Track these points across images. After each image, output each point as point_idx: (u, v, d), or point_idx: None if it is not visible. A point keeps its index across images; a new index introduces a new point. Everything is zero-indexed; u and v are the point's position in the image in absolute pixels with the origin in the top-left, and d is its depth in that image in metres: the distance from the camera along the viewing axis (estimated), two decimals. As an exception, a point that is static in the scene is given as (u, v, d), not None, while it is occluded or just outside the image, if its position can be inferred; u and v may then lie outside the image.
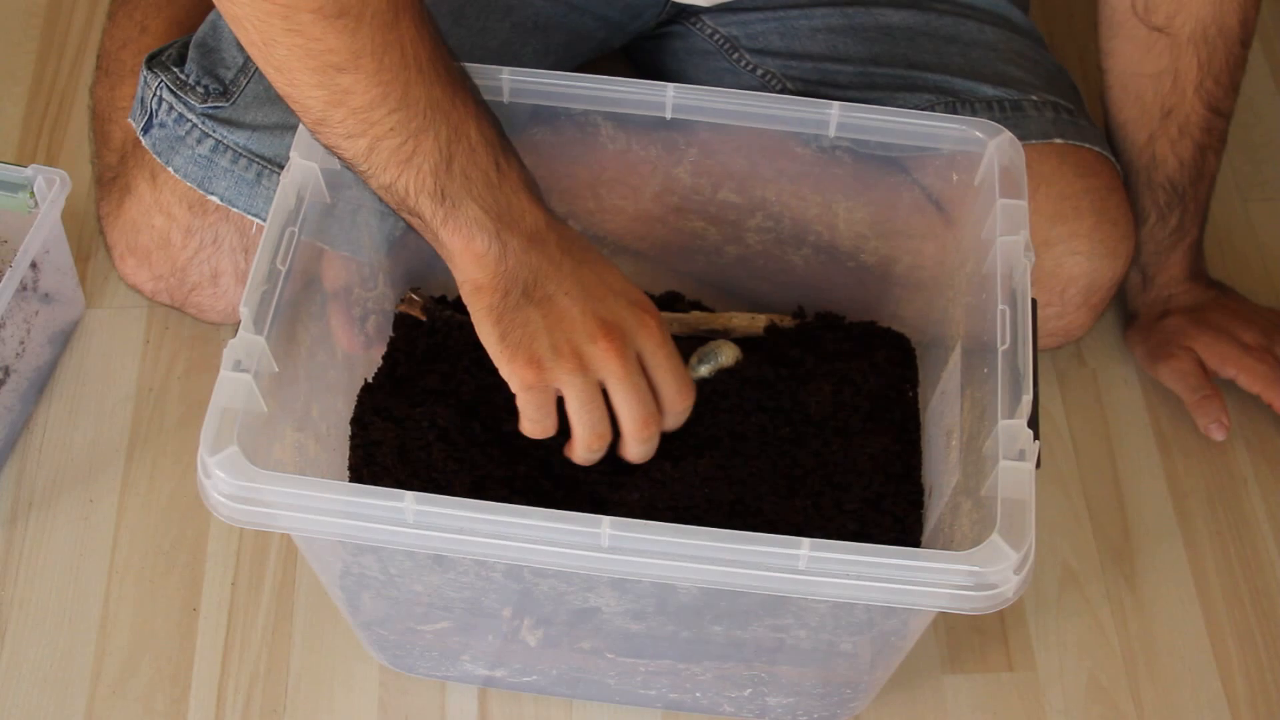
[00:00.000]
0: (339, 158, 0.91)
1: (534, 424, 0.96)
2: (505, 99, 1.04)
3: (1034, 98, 1.20)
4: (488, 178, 0.91)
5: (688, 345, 1.11)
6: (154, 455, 1.18)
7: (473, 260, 0.91)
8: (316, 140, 0.91)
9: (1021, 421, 0.89)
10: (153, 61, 1.18)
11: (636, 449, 0.98)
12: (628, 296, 0.96)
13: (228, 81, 1.15)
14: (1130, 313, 1.27)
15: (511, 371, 0.94)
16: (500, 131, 0.93)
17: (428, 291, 1.13)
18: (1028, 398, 0.89)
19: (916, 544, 1.04)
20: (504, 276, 0.92)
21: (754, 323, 1.16)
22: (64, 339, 1.23)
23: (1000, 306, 0.94)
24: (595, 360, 0.94)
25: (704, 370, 1.11)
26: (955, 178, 1.06)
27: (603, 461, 1.06)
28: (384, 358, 1.12)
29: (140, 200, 1.18)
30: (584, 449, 0.97)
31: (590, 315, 0.94)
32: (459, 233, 0.90)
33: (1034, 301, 0.94)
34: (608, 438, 0.97)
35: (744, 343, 1.14)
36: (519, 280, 0.92)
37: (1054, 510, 1.18)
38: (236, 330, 0.91)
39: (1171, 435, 1.23)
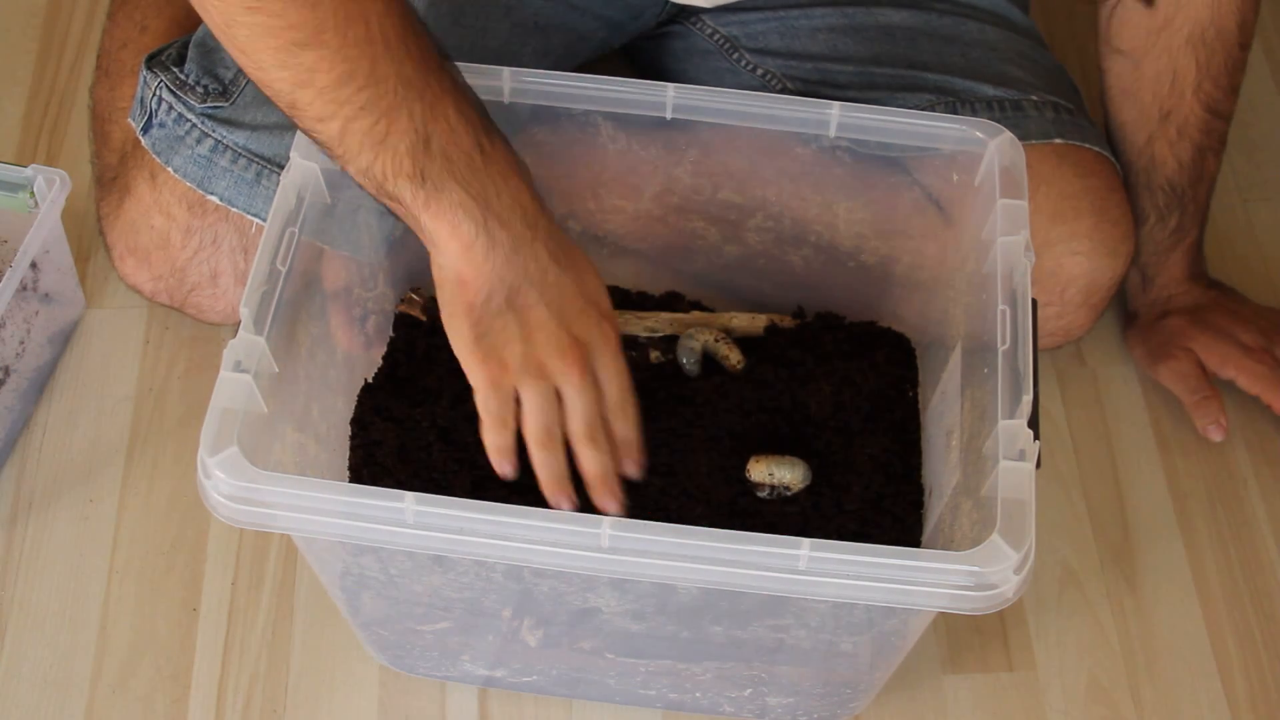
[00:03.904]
0: (318, 144, 0.89)
1: (495, 419, 0.95)
2: (505, 99, 1.04)
3: (1034, 98, 1.20)
4: (471, 160, 0.89)
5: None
6: (154, 455, 1.18)
7: (460, 249, 0.90)
8: (296, 126, 0.90)
9: (1021, 421, 0.89)
10: (152, 61, 1.18)
11: (588, 450, 0.97)
12: (598, 308, 0.96)
13: (227, 81, 1.15)
14: (1130, 313, 1.27)
15: (479, 371, 0.94)
16: (483, 112, 0.91)
17: (428, 291, 1.13)
18: (1028, 398, 0.89)
19: (916, 544, 1.04)
20: (490, 276, 0.91)
21: (754, 323, 1.16)
22: (64, 339, 1.23)
23: (1000, 306, 0.94)
24: (558, 373, 0.95)
25: (691, 366, 1.11)
26: (956, 178, 1.06)
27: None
28: (384, 358, 1.12)
29: (140, 201, 1.18)
30: (538, 447, 0.96)
31: (563, 331, 0.94)
32: (443, 217, 0.89)
33: (1034, 301, 0.94)
34: (558, 439, 0.96)
35: (744, 343, 1.14)
36: (504, 283, 0.92)
37: (1054, 510, 1.18)
38: (236, 330, 0.91)
39: (1171, 435, 1.23)
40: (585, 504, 1.03)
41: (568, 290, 0.95)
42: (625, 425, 0.98)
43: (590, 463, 0.96)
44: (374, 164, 0.87)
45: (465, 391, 1.07)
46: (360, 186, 0.90)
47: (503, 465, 0.96)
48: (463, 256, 0.90)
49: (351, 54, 0.84)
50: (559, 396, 0.95)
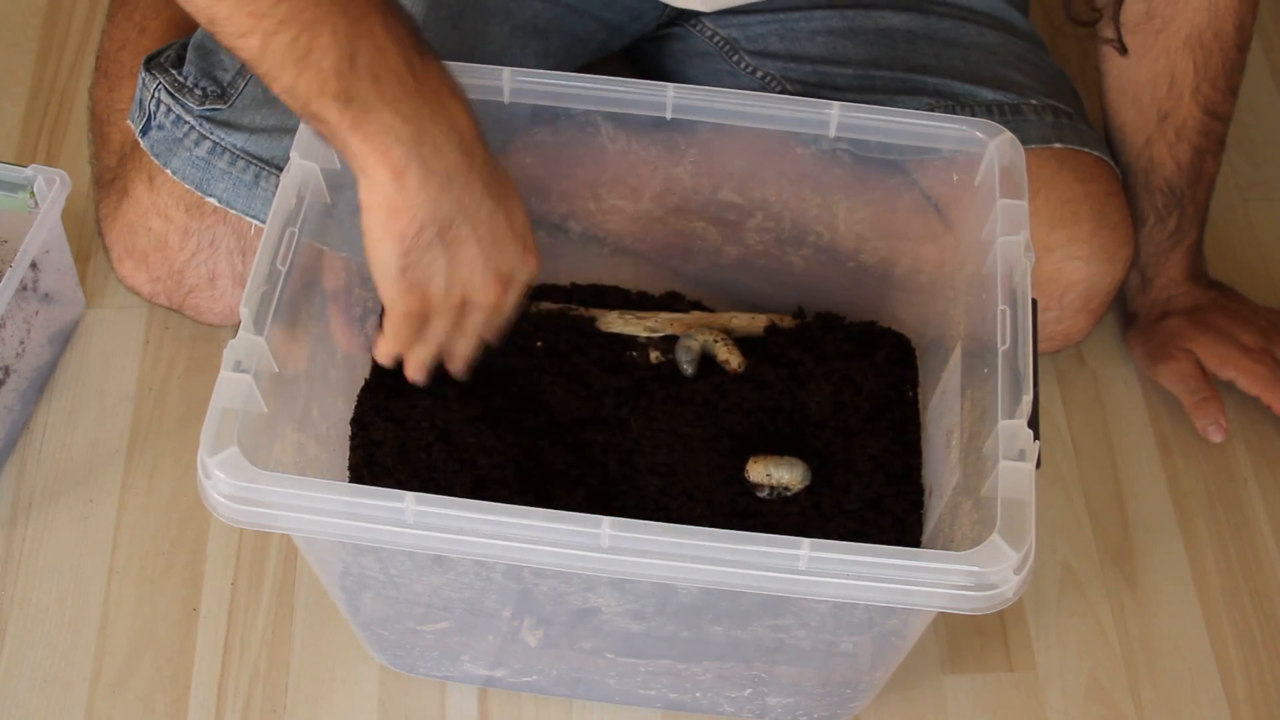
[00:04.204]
0: (243, 64, 0.86)
1: (402, 342, 0.96)
2: (506, 99, 1.04)
3: (1034, 102, 1.20)
4: (401, 79, 0.85)
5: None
6: (154, 455, 1.18)
7: (391, 177, 0.86)
8: (218, 42, 0.86)
9: (1021, 421, 0.89)
10: (151, 63, 1.18)
11: (466, 340, 0.99)
12: (524, 241, 0.96)
13: (225, 83, 1.15)
14: (1130, 314, 1.27)
15: (400, 301, 0.93)
16: (414, 29, 0.87)
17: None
18: (1028, 398, 0.89)
19: (916, 544, 1.04)
20: (423, 207, 0.88)
21: (754, 323, 1.16)
22: (64, 339, 1.23)
23: (1000, 306, 0.94)
24: (476, 305, 0.95)
25: (688, 366, 1.11)
26: (955, 178, 1.06)
27: (602, 467, 1.06)
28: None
29: (138, 202, 1.18)
30: (417, 367, 0.99)
31: (490, 267, 0.94)
32: (372, 141, 0.85)
33: (1034, 301, 0.94)
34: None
35: (744, 343, 1.14)
36: (437, 216, 0.89)
37: (1054, 510, 1.18)
38: (236, 330, 0.91)
39: (1171, 435, 1.23)
40: (582, 506, 1.03)
41: (499, 225, 0.93)
42: (468, 345, 1.00)
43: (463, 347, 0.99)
44: (296, 82, 0.84)
45: (466, 391, 1.07)
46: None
47: (384, 361, 0.98)
48: (393, 185, 0.86)
49: None
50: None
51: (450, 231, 0.90)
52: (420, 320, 0.95)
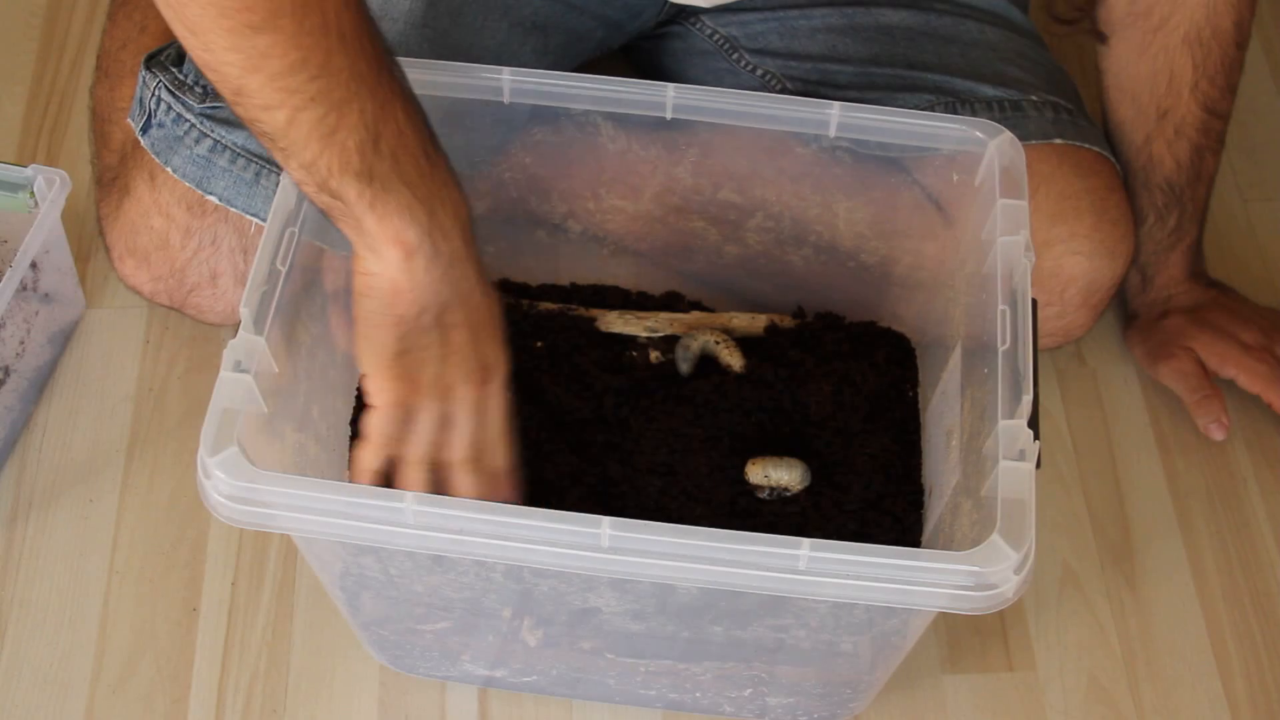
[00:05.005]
0: (258, 134, 0.86)
1: (387, 441, 0.92)
2: (505, 99, 1.04)
3: (1034, 98, 1.20)
4: (418, 164, 0.86)
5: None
6: (154, 455, 1.18)
7: (401, 257, 0.87)
8: (235, 114, 0.86)
9: (1021, 421, 0.89)
10: (151, 61, 1.18)
11: (467, 476, 0.95)
12: (497, 339, 0.95)
13: (226, 82, 1.15)
14: (1130, 313, 1.27)
15: (389, 388, 0.91)
16: (428, 122, 0.88)
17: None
18: (1028, 398, 0.89)
19: (916, 544, 1.04)
20: (427, 289, 0.88)
21: (754, 323, 1.16)
22: (64, 339, 1.23)
23: (1000, 306, 0.94)
24: (459, 397, 0.93)
25: (684, 366, 1.11)
26: (955, 178, 1.06)
27: (602, 467, 1.06)
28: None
29: (139, 201, 1.18)
30: (417, 467, 0.94)
31: (477, 355, 0.93)
32: (387, 220, 0.86)
33: (1034, 301, 0.94)
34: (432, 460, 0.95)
35: (744, 343, 1.14)
36: (438, 299, 0.89)
37: (1054, 510, 1.18)
38: (236, 330, 0.91)
39: (1171, 435, 1.23)
40: (582, 506, 1.03)
41: (483, 317, 0.93)
42: (501, 458, 0.97)
43: (467, 487, 0.95)
44: (319, 158, 0.84)
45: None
46: (297, 187, 0.87)
47: (365, 478, 0.93)
48: (402, 265, 0.87)
49: (306, 42, 0.81)
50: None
51: (447, 315, 0.90)
52: (404, 414, 0.92)
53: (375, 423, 0.92)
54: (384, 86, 0.85)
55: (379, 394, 0.92)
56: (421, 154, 0.87)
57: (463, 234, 0.89)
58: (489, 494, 0.96)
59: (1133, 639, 1.12)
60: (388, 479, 0.94)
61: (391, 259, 0.87)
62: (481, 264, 0.92)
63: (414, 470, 0.94)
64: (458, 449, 0.94)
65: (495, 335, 0.94)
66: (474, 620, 0.98)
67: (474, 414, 0.94)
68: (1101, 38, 1.15)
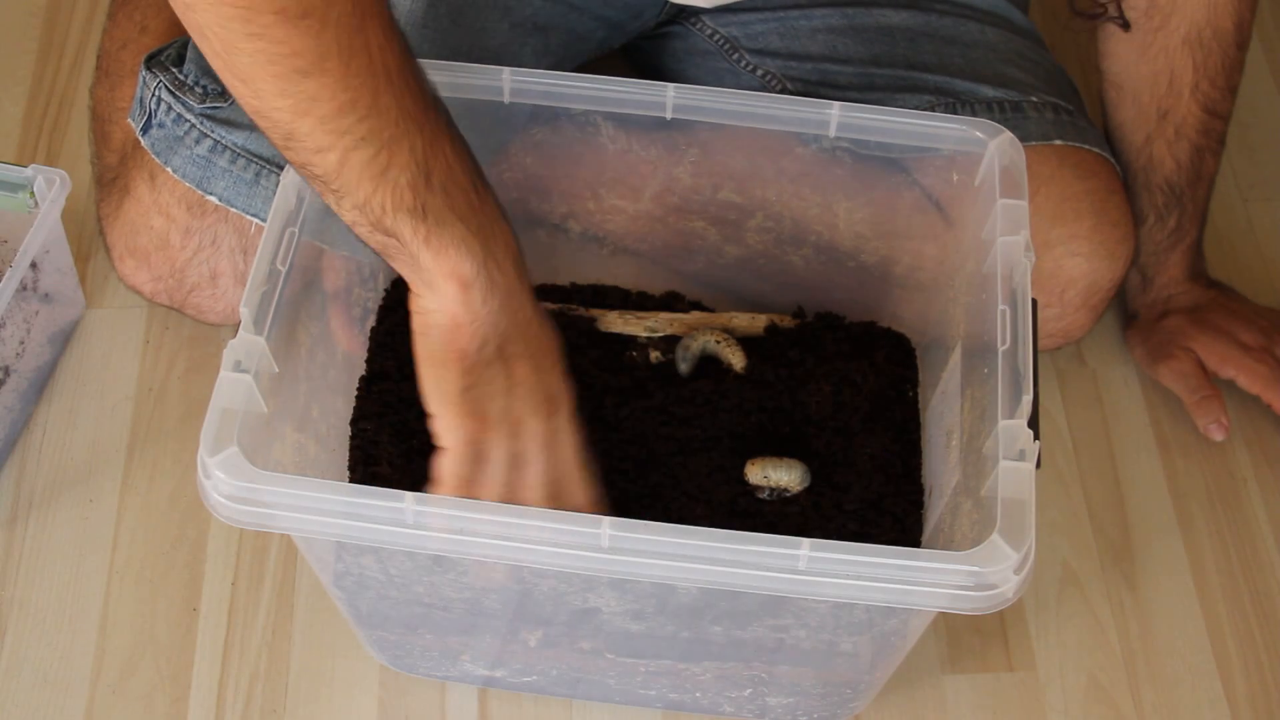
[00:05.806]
0: (310, 179, 0.86)
1: (463, 483, 0.91)
2: (505, 99, 1.04)
3: (1034, 99, 1.20)
4: (469, 198, 0.86)
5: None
6: (154, 455, 1.18)
7: (458, 290, 0.86)
8: (288, 162, 0.86)
9: (1021, 421, 0.89)
10: (152, 62, 1.18)
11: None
12: (559, 369, 0.94)
13: (227, 82, 1.15)
14: (1130, 313, 1.27)
15: (459, 425, 0.90)
16: (474, 157, 0.89)
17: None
18: (1028, 398, 0.89)
19: (916, 544, 1.04)
20: (486, 321, 0.87)
21: (754, 323, 1.16)
22: (64, 339, 1.23)
23: (1000, 307, 0.94)
24: (529, 431, 0.92)
25: (684, 366, 1.11)
26: (955, 178, 1.06)
27: (601, 468, 1.06)
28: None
29: (139, 201, 1.18)
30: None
31: (540, 388, 0.92)
32: (444, 254, 0.85)
33: (1034, 301, 0.94)
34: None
35: (744, 343, 1.14)
36: (498, 331, 0.88)
37: (1054, 510, 1.18)
38: (236, 330, 0.91)
39: (1171, 435, 1.23)
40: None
41: (543, 346, 0.92)
42: (579, 493, 0.96)
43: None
44: (373, 197, 0.84)
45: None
46: (350, 230, 0.87)
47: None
48: (460, 298, 0.86)
49: (354, 83, 0.82)
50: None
51: (509, 347, 0.89)
52: (475, 453, 0.90)
53: (447, 465, 0.90)
54: (431, 122, 0.85)
55: (449, 433, 0.90)
56: (471, 188, 0.86)
57: (516, 265, 0.89)
58: None
59: (1133, 639, 1.12)
60: None
61: (449, 293, 0.86)
62: (535, 295, 0.91)
63: (486, 495, 0.92)
64: (533, 488, 0.93)
65: (557, 366, 0.93)
66: (474, 620, 0.98)
67: (545, 449, 0.92)
68: (1125, 25, 1.14)
